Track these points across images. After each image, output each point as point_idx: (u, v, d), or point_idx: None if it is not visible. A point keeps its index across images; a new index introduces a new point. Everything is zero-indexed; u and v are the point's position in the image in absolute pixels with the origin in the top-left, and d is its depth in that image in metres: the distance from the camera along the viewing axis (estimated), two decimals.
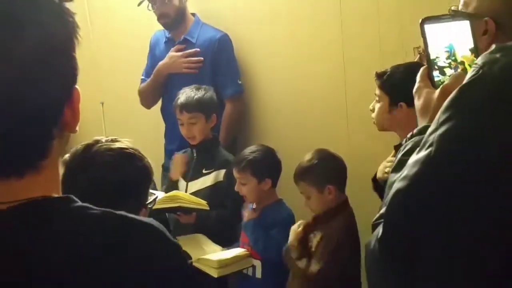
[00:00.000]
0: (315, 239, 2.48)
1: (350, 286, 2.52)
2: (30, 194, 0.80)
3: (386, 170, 2.27)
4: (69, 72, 0.83)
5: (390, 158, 2.28)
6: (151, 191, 1.65)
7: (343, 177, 2.59)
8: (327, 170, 2.53)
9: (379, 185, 2.36)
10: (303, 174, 2.55)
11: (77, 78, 0.84)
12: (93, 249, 0.79)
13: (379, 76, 2.28)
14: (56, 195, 0.83)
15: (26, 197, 0.79)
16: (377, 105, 2.29)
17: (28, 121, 0.79)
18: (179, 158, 3.08)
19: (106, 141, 1.56)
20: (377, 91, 2.29)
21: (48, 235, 0.79)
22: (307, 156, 2.58)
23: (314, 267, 2.42)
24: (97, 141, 1.56)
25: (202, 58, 3.28)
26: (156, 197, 1.67)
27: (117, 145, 1.55)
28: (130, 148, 1.59)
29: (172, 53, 3.33)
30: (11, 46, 0.76)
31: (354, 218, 2.57)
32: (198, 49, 3.29)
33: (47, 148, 0.82)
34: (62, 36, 0.80)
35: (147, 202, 1.59)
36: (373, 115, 2.33)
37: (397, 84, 2.20)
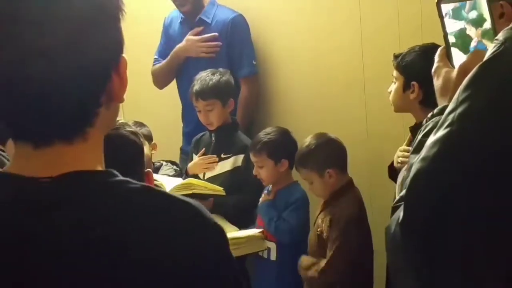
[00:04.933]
0: (324, 224, 2.48)
1: (362, 273, 2.52)
2: (79, 163, 0.81)
3: (399, 160, 2.27)
4: (117, 39, 0.84)
5: (404, 146, 2.28)
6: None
7: (342, 159, 2.59)
8: (325, 154, 2.54)
9: (395, 173, 2.36)
10: (302, 161, 2.57)
11: (123, 47, 0.86)
12: (132, 223, 0.79)
13: (396, 57, 2.29)
14: (99, 168, 0.84)
15: (74, 167, 0.80)
16: (393, 86, 2.29)
17: (78, 83, 0.79)
18: (203, 163, 3.02)
19: None
20: (394, 73, 2.30)
21: (87, 209, 0.79)
22: (305, 142, 2.59)
23: (328, 255, 2.43)
24: None
25: (220, 43, 3.25)
26: (149, 171, 1.67)
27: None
28: (128, 127, 1.58)
29: (189, 36, 3.30)
30: (63, 8, 0.78)
31: (361, 199, 2.57)
32: (217, 34, 3.26)
33: (94, 114, 0.82)
34: (109, 4, 0.83)
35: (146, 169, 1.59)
36: (390, 96, 2.33)
37: (411, 65, 2.21)
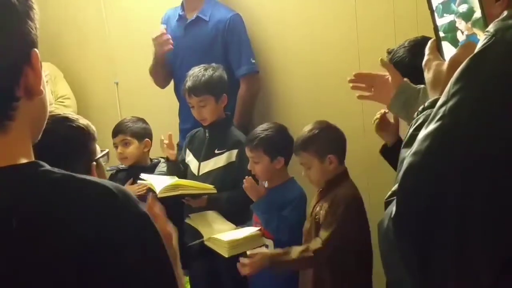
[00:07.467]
0: (322, 210, 2.46)
1: (363, 262, 2.50)
2: (0, 156, 0.84)
3: None
4: (26, 35, 0.87)
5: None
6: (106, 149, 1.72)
7: (343, 148, 2.58)
8: (328, 139, 2.53)
9: (390, 154, 2.34)
10: (304, 144, 2.53)
11: (36, 42, 0.89)
12: (52, 210, 0.82)
13: (389, 53, 2.27)
14: (25, 160, 0.87)
15: None
16: None
17: None
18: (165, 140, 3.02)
19: None
20: None
21: (12, 201, 0.81)
22: (307, 127, 2.57)
23: (322, 234, 2.40)
24: None
25: (164, 31, 3.26)
26: (107, 152, 1.73)
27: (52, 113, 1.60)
28: (66, 113, 1.65)
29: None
30: None
31: (357, 189, 2.56)
32: (164, 25, 3.29)
33: (11, 108, 0.86)
34: (17, 4, 0.86)
35: (96, 157, 1.65)
36: None
37: (401, 61, 2.19)
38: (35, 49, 0.88)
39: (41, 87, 0.89)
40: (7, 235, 0.79)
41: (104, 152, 1.71)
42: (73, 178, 0.86)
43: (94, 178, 0.89)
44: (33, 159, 0.89)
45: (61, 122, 1.60)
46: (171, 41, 3.25)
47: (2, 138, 0.85)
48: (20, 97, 0.86)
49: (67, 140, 1.56)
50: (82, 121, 1.65)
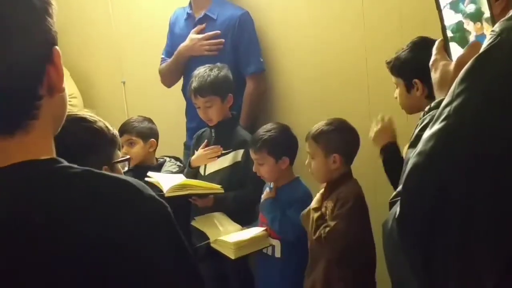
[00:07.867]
0: (328, 210, 2.45)
1: (369, 262, 2.49)
2: (22, 154, 0.84)
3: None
4: (46, 33, 0.87)
5: None
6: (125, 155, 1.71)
7: (352, 151, 2.57)
8: (340, 140, 2.52)
9: (387, 157, 2.35)
10: (317, 136, 2.52)
11: (56, 39, 0.89)
12: (71, 205, 0.82)
13: (388, 63, 2.27)
14: (45, 157, 0.86)
15: (18, 158, 0.83)
16: (397, 91, 2.28)
17: (11, 79, 0.82)
18: (207, 154, 3.01)
19: None
20: (393, 78, 2.28)
21: (28, 196, 0.81)
22: (327, 121, 2.56)
23: (330, 224, 2.40)
24: None
25: (223, 40, 3.25)
26: (128, 158, 1.71)
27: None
28: (85, 114, 1.64)
29: (193, 35, 3.30)
30: None
31: (361, 188, 2.55)
32: (219, 31, 3.26)
33: (34, 107, 0.86)
34: (37, 2, 0.85)
35: (114, 161, 1.64)
36: (398, 101, 2.32)
37: (405, 64, 2.19)
38: (56, 47, 0.88)
39: (63, 85, 0.90)
40: (8, 234, 0.79)
41: (123, 158, 1.69)
42: (90, 174, 0.86)
43: (114, 175, 0.89)
44: (54, 155, 0.89)
45: (76, 122, 1.58)
46: (220, 46, 3.25)
47: (24, 137, 0.85)
48: (43, 95, 0.87)
49: (79, 141, 1.54)
50: (101, 123, 1.62)
